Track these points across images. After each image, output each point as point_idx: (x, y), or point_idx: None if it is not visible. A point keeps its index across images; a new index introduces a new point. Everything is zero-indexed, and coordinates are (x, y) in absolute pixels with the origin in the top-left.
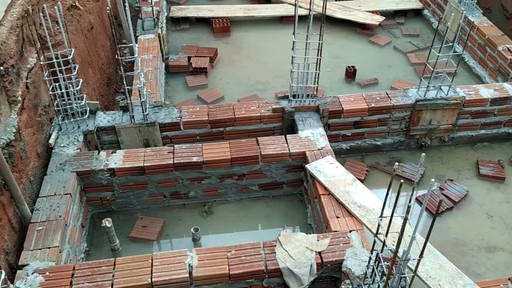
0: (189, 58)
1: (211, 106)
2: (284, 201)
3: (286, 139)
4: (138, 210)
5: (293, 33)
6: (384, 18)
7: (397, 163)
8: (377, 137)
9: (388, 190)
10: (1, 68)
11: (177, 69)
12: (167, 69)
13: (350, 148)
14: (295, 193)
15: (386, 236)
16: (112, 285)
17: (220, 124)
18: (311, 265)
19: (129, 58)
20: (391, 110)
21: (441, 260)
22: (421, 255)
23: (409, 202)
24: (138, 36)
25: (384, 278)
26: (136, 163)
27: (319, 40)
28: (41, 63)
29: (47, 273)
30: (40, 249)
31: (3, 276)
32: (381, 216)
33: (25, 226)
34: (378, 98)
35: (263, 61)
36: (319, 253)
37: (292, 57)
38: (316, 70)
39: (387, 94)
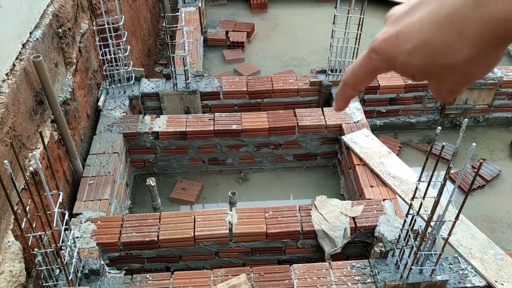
0: (226, 32)
1: (249, 78)
2: (317, 172)
3: (323, 111)
4: (177, 174)
5: (335, 7)
6: None
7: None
8: (411, 115)
9: (424, 165)
10: (60, 30)
11: (215, 43)
12: (205, 43)
13: (383, 124)
14: (328, 165)
15: (424, 199)
16: (158, 236)
17: (258, 95)
18: (345, 228)
19: (175, 27)
20: (428, 87)
21: (472, 230)
22: (457, 217)
23: (445, 174)
24: (179, 9)
25: (417, 241)
26: (179, 128)
27: (361, 15)
28: (94, 28)
29: (99, 222)
30: (92, 200)
31: (66, 216)
32: (419, 180)
33: (77, 180)
34: None
35: (299, 37)
36: (353, 218)
37: (333, 30)
38: (355, 45)
39: None
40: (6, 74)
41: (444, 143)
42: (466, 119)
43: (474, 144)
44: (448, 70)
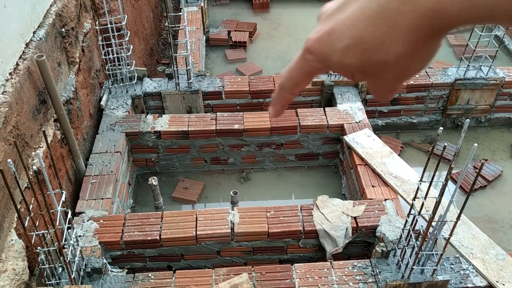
0: (229, 32)
1: (252, 77)
2: (318, 172)
3: (324, 111)
4: (180, 173)
5: None
6: None
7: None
8: (413, 115)
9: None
10: (63, 29)
11: (217, 42)
12: (207, 42)
13: (385, 124)
14: (330, 165)
15: (425, 199)
16: (160, 235)
17: (260, 95)
18: (346, 228)
19: (177, 27)
20: (430, 88)
21: (474, 230)
22: (458, 218)
23: (447, 175)
24: (181, 9)
25: (419, 241)
26: (181, 127)
27: None
28: (97, 27)
29: (101, 221)
30: (94, 199)
31: (69, 215)
32: (420, 180)
33: (80, 178)
34: (416, 76)
35: (301, 37)
36: (355, 218)
37: None
38: None
39: (426, 72)
40: (10, 73)
41: (446, 144)
42: (468, 120)
43: (476, 144)
44: (383, 67)
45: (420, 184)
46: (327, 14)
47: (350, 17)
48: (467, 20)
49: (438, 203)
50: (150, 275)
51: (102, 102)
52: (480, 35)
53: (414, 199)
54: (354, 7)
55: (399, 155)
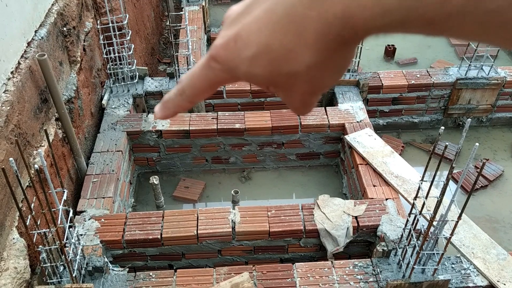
0: None
1: None
2: (319, 171)
3: (325, 110)
4: (181, 172)
5: None
6: None
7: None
8: (414, 115)
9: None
10: (64, 28)
11: None
12: (208, 42)
13: (386, 124)
14: (331, 164)
15: (426, 198)
16: (161, 234)
17: (262, 94)
18: (347, 227)
19: (179, 26)
20: (431, 87)
21: (475, 230)
22: (459, 217)
23: (448, 174)
24: (182, 8)
25: (420, 240)
26: (182, 126)
27: None
28: (98, 27)
29: (103, 220)
30: (95, 198)
31: (71, 214)
32: (422, 179)
33: (81, 177)
34: (418, 76)
35: None
36: (356, 217)
37: None
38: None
39: (427, 71)
40: (12, 72)
41: (447, 143)
42: (469, 119)
43: (477, 144)
44: (294, 79)
45: (421, 183)
46: (232, 17)
47: (256, 21)
48: (380, 28)
49: (439, 203)
50: (151, 274)
51: (104, 101)
52: None
53: (415, 198)
54: (259, 10)
55: (400, 154)
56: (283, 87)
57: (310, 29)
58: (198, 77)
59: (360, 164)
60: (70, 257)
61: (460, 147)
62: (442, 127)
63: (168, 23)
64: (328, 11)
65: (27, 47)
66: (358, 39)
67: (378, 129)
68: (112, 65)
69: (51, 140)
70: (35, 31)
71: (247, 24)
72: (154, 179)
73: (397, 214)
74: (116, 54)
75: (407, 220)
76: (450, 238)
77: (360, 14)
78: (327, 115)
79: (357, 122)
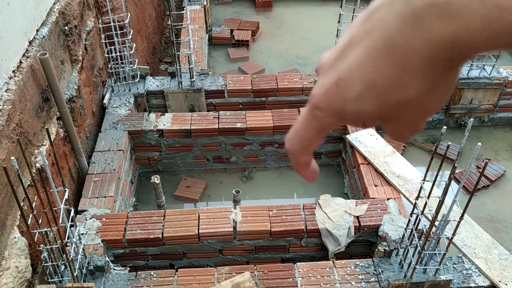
0: (231, 30)
1: (254, 76)
2: (321, 171)
3: None
4: (182, 172)
5: (341, 6)
6: None
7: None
8: None
9: (429, 164)
10: (66, 27)
11: (219, 41)
12: (210, 41)
13: None
14: (332, 164)
15: (428, 198)
16: (162, 233)
17: (263, 94)
18: (349, 227)
19: (180, 25)
20: None
21: (477, 230)
22: (461, 217)
23: (450, 174)
24: (184, 7)
25: (422, 240)
26: (184, 125)
27: None
28: (99, 26)
29: (104, 219)
30: (97, 197)
31: (72, 213)
32: (424, 179)
33: (83, 177)
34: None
35: (304, 36)
36: (357, 217)
37: (338, 29)
38: None
39: None
40: (13, 71)
41: (449, 143)
42: (471, 119)
43: (479, 144)
44: (404, 108)
45: (423, 183)
46: (328, 65)
47: (356, 62)
48: (490, 48)
49: (441, 203)
50: (152, 273)
51: (105, 100)
52: None
53: (417, 198)
54: (357, 51)
55: (402, 154)
56: (392, 118)
57: (415, 58)
58: (304, 129)
59: (362, 163)
60: (71, 256)
61: (462, 147)
62: (444, 127)
63: (169, 22)
64: (433, 38)
65: (28, 46)
66: (465, 59)
67: (380, 129)
68: (113, 64)
69: (52, 139)
70: (37, 30)
71: (347, 67)
72: (155, 179)
73: (399, 214)
74: (118, 53)
75: (409, 220)
76: (452, 238)
77: (468, 38)
78: None
79: None
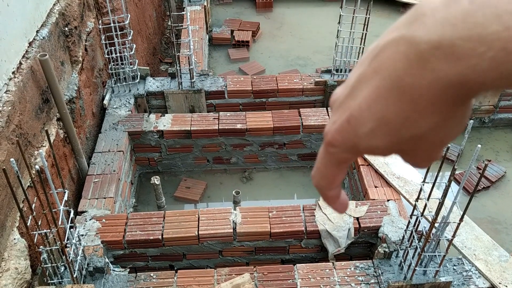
0: (232, 31)
1: (255, 77)
2: None
3: (327, 111)
4: (182, 173)
5: (341, 6)
6: None
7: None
8: None
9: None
10: (66, 28)
11: (220, 42)
12: (210, 41)
13: None
14: None
15: (428, 200)
16: (162, 234)
17: (263, 94)
18: (349, 229)
19: (180, 26)
20: None
21: (477, 231)
22: (461, 219)
23: (450, 176)
24: (184, 8)
25: (422, 242)
26: (184, 126)
27: (366, 15)
28: (100, 27)
29: (104, 220)
30: (97, 198)
31: (72, 214)
32: (424, 181)
33: (82, 178)
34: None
35: (304, 37)
36: (357, 218)
37: (338, 30)
38: (361, 45)
39: None
40: (13, 73)
41: (449, 144)
42: (471, 120)
43: (479, 145)
44: (417, 141)
45: (423, 185)
46: (339, 101)
47: (365, 100)
48: (498, 88)
49: (441, 204)
50: (152, 274)
51: (105, 101)
52: None
53: (417, 200)
54: (366, 89)
55: None
56: (407, 150)
57: (424, 96)
58: (323, 167)
59: (362, 165)
60: (71, 258)
61: (462, 148)
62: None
63: (169, 23)
64: (440, 78)
65: (28, 47)
66: (475, 96)
67: None
68: (113, 65)
69: (52, 140)
70: (37, 31)
71: (357, 104)
72: (155, 179)
73: (399, 216)
74: (118, 54)
75: (409, 222)
76: (452, 239)
77: (476, 79)
78: (329, 115)
79: None
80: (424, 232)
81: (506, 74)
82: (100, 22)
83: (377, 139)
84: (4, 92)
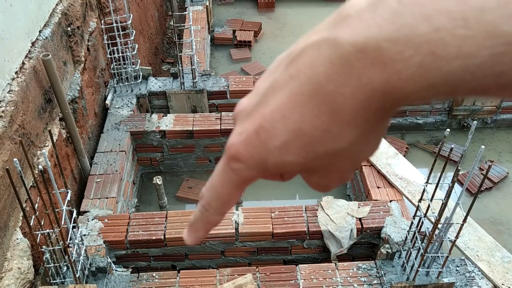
0: (234, 31)
1: (257, 77)
2: None
3: None
4: (184, 173)
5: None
6: None
7: (453, 144)
8: (419, 116)
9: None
10: (69, 28)
11: (222, 42)
12: (212, 41)
13: (390, 125)
14: None
15: (431, 201)
16: (164, 234)
17: None
18: (351, 229)
19: (182, 26)
20: None
21: (480, 232)
22: (464, 220)
23: (453, 177)
24: (186, 8)
25: (424, 243)
26: (186, 126)
27: None
28: (102, 26)
29: (106, 220)
30: (99, 198)
31: (74, 214)
32: (427, 182)
33: (85, 177)
34: None
35: None
36: (360, 219)
37: None
38: None
39: None
40: (16, 72)
41: (452, 145)
42: (475, 121)
43: (483, 146)
44: (333, 158)
45: (426, 185)
46: (247, 111)
47: (280, 108)
48: (426, 98)
49: (444, 205)
50: (154, 274)
51: (107, 101)
52: None
53: (420, 200)
54: (280, 96)
55: (404, 156)
56: (318, 169)
57: (346, 106)
58: (221, 184)
59: (364, 165)
60: (73, 258)
61: (465, 149)
62: (448, 130)
63: (172, 23)
64: (365, 86)
65: (31, 47)
66: (399, 106)
67: None
68: (116, 65)
69: (55, 140)
70: (40, 31)
71: (268, 113)
72: (158, 179)
73: (402, 216)
74: (120, 54)
75: (412, 223)
76: (455, 241)
77: (403, 87)
78: None
79: None
80: (427, 233)
81: (433, 83)
82: (102, 22)
83: (289, 155)
84: (7, 92)
